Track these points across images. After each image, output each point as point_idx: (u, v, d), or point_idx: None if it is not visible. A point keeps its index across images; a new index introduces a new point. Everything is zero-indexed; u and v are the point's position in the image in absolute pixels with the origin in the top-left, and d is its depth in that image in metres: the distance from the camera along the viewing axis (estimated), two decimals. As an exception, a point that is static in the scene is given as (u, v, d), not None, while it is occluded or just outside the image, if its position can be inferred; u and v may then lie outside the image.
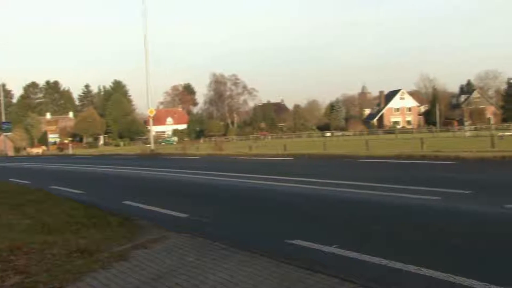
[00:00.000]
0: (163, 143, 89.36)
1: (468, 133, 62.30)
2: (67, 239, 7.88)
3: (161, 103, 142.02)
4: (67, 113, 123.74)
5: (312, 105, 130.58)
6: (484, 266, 5.83)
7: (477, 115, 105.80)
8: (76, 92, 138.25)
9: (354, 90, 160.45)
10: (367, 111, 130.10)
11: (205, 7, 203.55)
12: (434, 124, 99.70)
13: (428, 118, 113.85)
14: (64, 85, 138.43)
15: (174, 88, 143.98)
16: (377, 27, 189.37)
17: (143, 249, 7.19)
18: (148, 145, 57.10)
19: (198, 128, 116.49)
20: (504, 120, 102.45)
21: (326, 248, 6.80)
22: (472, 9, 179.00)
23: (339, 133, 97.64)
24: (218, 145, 47.52)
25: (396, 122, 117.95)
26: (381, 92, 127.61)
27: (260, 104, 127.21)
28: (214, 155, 37.93)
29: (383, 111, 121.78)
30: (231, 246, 7.03)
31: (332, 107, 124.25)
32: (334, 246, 6.83)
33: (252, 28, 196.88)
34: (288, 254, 6.55)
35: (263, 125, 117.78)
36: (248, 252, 6.65)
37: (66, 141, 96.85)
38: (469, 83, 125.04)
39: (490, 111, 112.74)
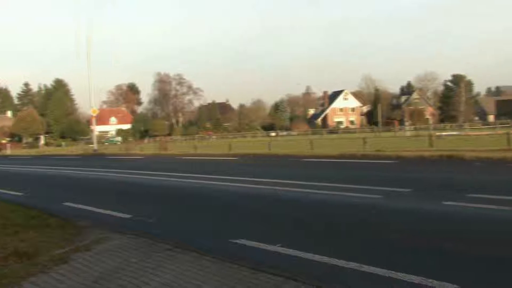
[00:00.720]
0: (106, 143, 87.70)
1: (408, 133, 63.98)
2: (4, 242, 7.62)
3: (105, 102, 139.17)
4: (5, 112, 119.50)
5: (257, 105, 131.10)
6: (423, 261, 6.00)
7: (417, 116, 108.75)
8: (15, 91, 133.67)
9: (298, 90, 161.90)
10: (311, 111, 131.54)
11: (149, 5, 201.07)
12: (376, 124, 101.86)
13: (371, 118, 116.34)
14: (2, 83, 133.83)
15: (118, 87, 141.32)
16: (320, 28, 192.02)
17: (85, 251, 7.04)
18: (91, 145, 56.03)
19: (142, 128, 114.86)
20: (442, 120, 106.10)
21: (270, 247, 6.84)
22: (412, 10, 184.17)
23: (284, 133, 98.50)
24: (162, 145, 47.06)
25: (340, 122, 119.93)
26: (325, 92, 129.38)
27: (205, 104, 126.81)
28: (159, 155, 37.55)
29: (327, 111, 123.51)
30: (176, 246, 6.97)
31: (277, 107, 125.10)
32: (279, 245, 6.88)
33: (196, 28, 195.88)
34: (233, 253, 6.55)
35: (208, 125, 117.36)
36: (193, 252, 6.61)
37: (3, 141, 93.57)
38: (409, 84, 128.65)
39: (429, 112, 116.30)
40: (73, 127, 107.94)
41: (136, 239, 7.63)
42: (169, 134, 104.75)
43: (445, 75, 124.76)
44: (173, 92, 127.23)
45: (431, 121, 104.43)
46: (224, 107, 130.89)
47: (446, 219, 8.42)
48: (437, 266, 5.76)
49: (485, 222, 7.98)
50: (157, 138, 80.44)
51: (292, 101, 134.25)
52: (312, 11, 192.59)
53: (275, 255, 6.52)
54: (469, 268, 5.67)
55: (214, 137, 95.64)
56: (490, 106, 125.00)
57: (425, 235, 7.37)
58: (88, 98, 53.65)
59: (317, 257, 6.22)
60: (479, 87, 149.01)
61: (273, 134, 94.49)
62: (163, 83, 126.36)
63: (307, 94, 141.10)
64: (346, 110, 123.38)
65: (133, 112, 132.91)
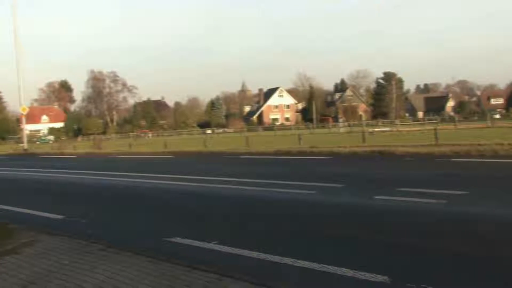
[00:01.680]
0: (38, 142, 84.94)
1: (342, 129, 65.33)
2: None
3: (36, 100, 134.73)
4: None
5: (193, 102, 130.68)
6: (356, 254, 6.16)
7: (350, 112, 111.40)
8: None
9: (234, 88, 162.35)
10: (247, 109, 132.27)
11: (83, 1, 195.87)
12: (311, 120, 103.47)
13: (305, 115, 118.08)
14: None
15: (50, 85, 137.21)
16: (256, 27, 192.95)
17: (14, 254, 6.81)
18: (21, 145, 54.16)
19: (75, 127, 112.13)
20: (374, 117, 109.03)
21: (206, 245, 6.84)
22: (345, 11, 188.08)
23: (220, 130, 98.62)
24: (96, 144, 46.11)
25: (275, 119, 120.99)
26: (260, 89, 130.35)
27: (140, 102, 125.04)
28: (93, 154, 36.76)
29: (263, 108, 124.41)
30: (110, 246, 6.86)
31: (212, 104, 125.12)
32: (214, 242, 6.89)
33: (131, 26, 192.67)
34: (168, 252, 6.50)
35: (143, 123, 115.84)
36: (127, 252, 6.52)
37: None
38: (342, 82, 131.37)
39: (362, 109, 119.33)
40: (1, 126, 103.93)
41: (68, 240, 7.45)
42: (104, 133, 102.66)
43: (377, 73, 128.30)
44: (107, 90, 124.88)
45: (364, 118, 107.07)
46: (159, 105, 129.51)
47: (377, 212, 8.67)
48: (369, 259, 5.93)
49: (413, 215, 8.26)
50: (91, 137, 78.72)
51: (228, 99, 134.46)
52: (248, 9, 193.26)
53: (211, 253, 6.52)
54: (398, 259, 5.86)
55: (149, 135, 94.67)
56: (419, 102, 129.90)
57: (357, 229, 7.55)
58: (17, 96, 51.58)
59: (253, 254, 6.27)
60: (409, 84, 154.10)
61: (209, 131, 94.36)
62: (96, 81, 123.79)
63: (243, 91, 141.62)
64: (281, 107, 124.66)
65: (66, 110, 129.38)
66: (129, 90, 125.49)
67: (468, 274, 5.28)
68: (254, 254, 6.26)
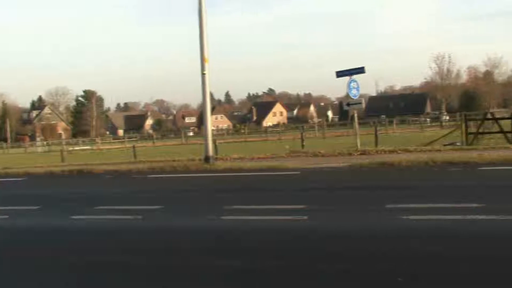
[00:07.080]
0: None
1: (40, 149, 62.67)
2: None
3: None
4: None
5: None
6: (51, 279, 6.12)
7: (49, 131, 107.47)
8: None
9: None
10: None
11: None
12: (5, 140, 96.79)
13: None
14: None
15: None
16: None
17: None
18: None
19: None
20: (74, 135, 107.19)
21: None
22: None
23: None
24: None
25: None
26: None
27: None
28: None
29: None
30: None
31: None
32: None
33: None
34: None
35: None
36: None
37: None
38: (40, 99, 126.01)
39: (61, 127, 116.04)
40: None
41: None
42: None
43: (77, 91, 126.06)
44: None
45: (64, 136, 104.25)
46: None
47: (75, 232, 8.74)
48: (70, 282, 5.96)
49: (114, 232, 8.58)
50: None
51: None
52: None
53: None
54: (96, 277, 6.04)
55: None
56: (119, 121, 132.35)
57: (51, 250, 7.46)
58: None
59: None
60: (110, 103, 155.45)
61: None
62: None
63: None
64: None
65: None
66: None
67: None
68: None
